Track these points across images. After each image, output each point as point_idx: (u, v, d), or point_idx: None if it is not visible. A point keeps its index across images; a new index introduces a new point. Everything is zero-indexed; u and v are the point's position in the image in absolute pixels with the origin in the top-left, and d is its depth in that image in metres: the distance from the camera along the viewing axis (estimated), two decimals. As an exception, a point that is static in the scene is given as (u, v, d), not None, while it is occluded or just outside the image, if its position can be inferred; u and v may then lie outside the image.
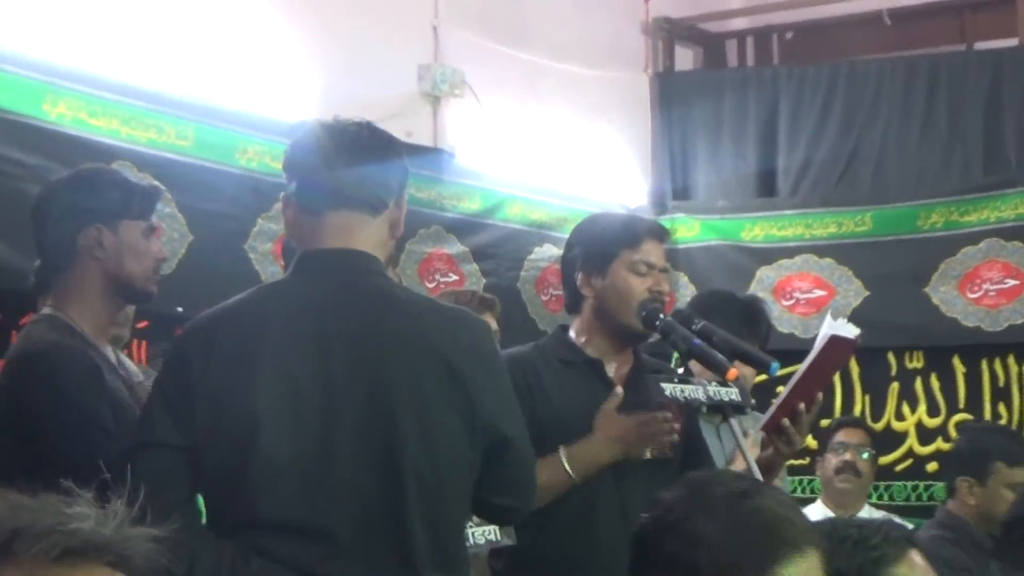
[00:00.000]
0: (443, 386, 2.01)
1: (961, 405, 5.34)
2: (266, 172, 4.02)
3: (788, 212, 5.67)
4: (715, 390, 2.49)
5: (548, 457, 2.44)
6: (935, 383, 5.39)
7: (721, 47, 6.56)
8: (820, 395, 2.56)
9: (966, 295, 5.31)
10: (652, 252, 2.64)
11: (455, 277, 4.88)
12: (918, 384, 5.42)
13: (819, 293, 5.53)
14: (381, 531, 1.96)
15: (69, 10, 3.73)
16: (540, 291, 5.29)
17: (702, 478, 1.43)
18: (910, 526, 2.12)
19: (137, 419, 2.10)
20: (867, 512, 4.47)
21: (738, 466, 2.63)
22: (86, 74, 3.68)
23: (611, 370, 2.67)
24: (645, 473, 2.57)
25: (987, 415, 5.26)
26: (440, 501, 2.00)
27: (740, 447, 2.46)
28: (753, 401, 3.17)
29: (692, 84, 6.24)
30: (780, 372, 2.65)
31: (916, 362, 5.43)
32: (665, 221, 5.49)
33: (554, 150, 5.52)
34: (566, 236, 2.83)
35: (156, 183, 2.48)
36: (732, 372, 2.46)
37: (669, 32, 6.24)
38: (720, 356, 2.49)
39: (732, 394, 2.51)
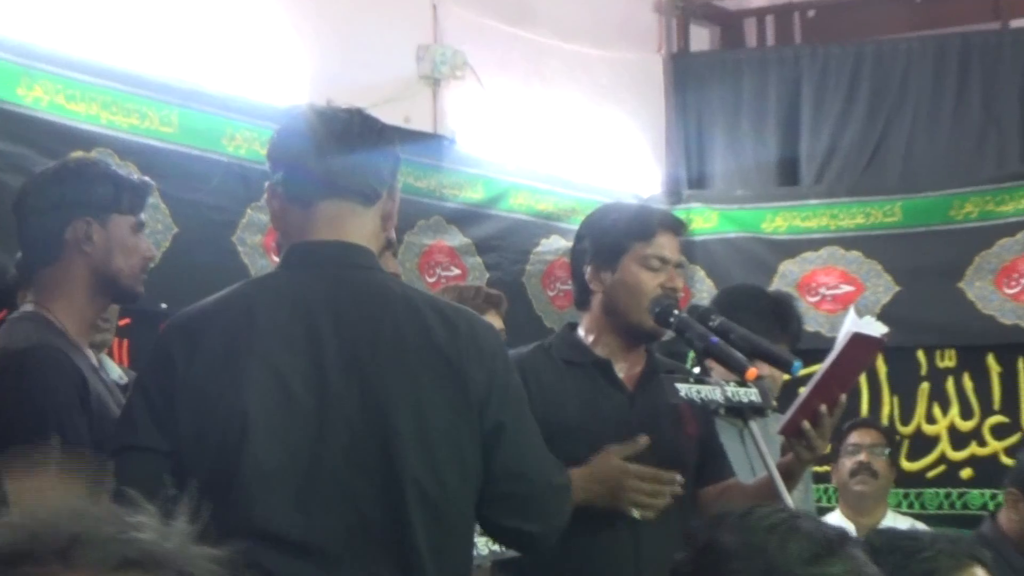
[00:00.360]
0: (443, 387, 2.00)
1: (996, 407, 5.33)
2: (255, 160, 4.01)
3: (812, 202, 5.66)
4: (733, 391, 2.49)
5: None
6: (968, 384, 5.38)
7: (739, 26, 6.55)
8: (843, 397, 2.56)
9: (1003, 290, 5.30)
10: (666, 245, 2.64)
11: (457, 271, 4.88)
12: (950, 385, 5.41)
13: (846, 288, 5.53)
14: (379, 544, 1.95)
15: (45, -12, 3.73)
16: (547, 286, 5.29)
17: (762, 528, 1.24)
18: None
19: (116, 422, 2.10)
20: (891, 519, 4.47)
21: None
22: (63, 56, 3.68)
23: (621, 371, 2.66)
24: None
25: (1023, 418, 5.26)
26: (443, 510, 2.00)
27: (760, 452, 2.46)
28: (775, 403, 3.17)
29: (708, 65, 6.24)
30: (804, 372, 2.65)
31: (948, 361, 5.42)
32: (680, 211, 5.50)
33: (561, 136, 5.52)
34: (574, 227, 2.83)
35: (147, 178, 2.49)
36: (751, 371, 2.46)
37: (684, 10, 6.23)
38: (739, 354, 2.48)
39: (752, 395, 2.51)
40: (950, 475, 5.37)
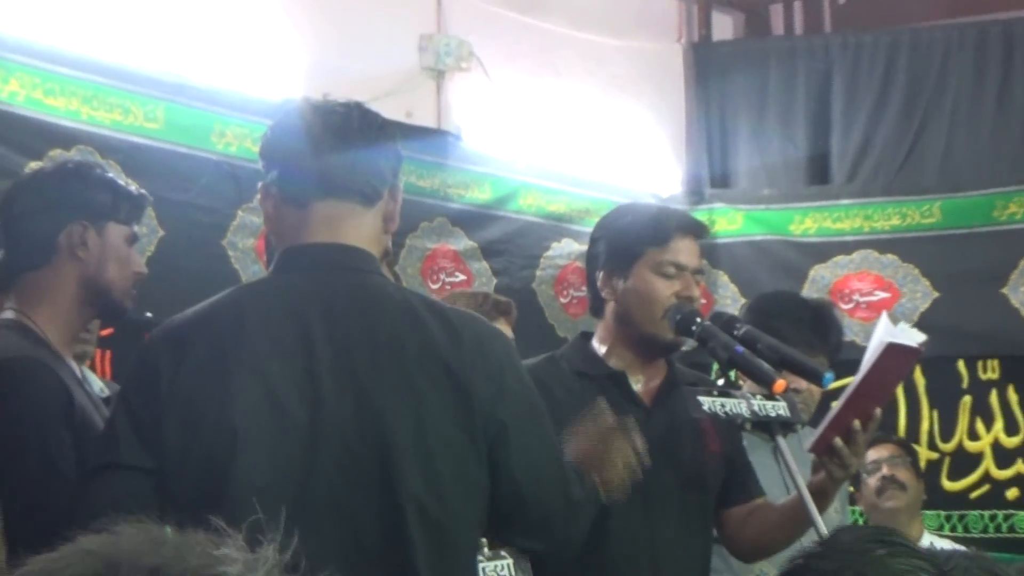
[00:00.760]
0: (445, 399, 2.00)
1: (1044, 422, 5.34)
2: (247, 158, 4.02)
3: (844, 202, 5.66)
4: (760, 404, 2.49)
5: None
6: (1013, 396, 5.38)
7: (765, 13, 6.56)
8: (878, 411, 2.55)
9: (1050, 297, 5.30)
10: (683, 251, 2.63)
11: (462, 277, 4.89)
12: (993, 398, 5.40)
13: (881, 295, 5.52)
14: (377, 567, 1.95)
15: (22, -25, 3.75)
16: (559, 292, 5.29)
17: None
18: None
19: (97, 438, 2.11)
20: (928, 541, 4.46)
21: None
22: (41, 47, 3.69)
23: (638, 384, 2.66)
24: (678, 503, 2.56)
25: (1073, 433, 5.25)
26: (445, 530, 1.99)
27: (789, 471, 2.45)
28: (805, 418, 3.17)
29: (732, 55, 6.24)
30: (837, 385, 2.65)
31: (991, 373, 5.41)
32: (702, 212, 5.51)
33: (574, 132, 5.52)
34: (587, 230, 2.84)
35: (144, 191, 2.52)
36: (779, 383, 2.45)
37: (706, -4, 6.25)
38: (766, 366, 2.48)
39: (780, 409, 2.50)
40: (995, 496, 5.36)
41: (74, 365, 2.41)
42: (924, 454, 5.45)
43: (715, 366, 2.67)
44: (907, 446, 4.63)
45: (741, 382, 2.60)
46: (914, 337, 2.57)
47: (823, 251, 5.64)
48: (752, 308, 3.29)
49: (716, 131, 6.18)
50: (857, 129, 5.91)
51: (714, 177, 6.12)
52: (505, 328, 3.48)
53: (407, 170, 4.52)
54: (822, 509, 2.49)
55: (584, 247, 2.83)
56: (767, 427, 2.52)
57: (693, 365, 3.03)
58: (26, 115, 3.62)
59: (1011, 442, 5.37)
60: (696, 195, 5.91)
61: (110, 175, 2.50)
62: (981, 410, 5.41)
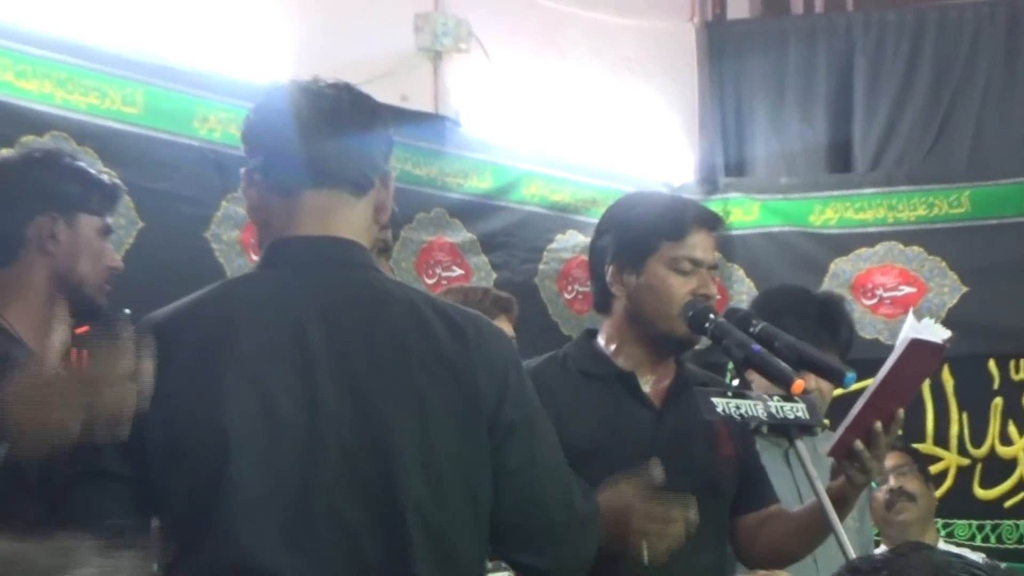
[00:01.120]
0: (450, 402, 2.01)
1: (1081, 424, 5.35)
2: (231, 145, 4.02)
3: (867, 191, 5.67)
4: (777, 406, 2.50)
5: None
6: (1049, 398, 5.39)
7: (784, -10, 6.57)
8: (901, 412, 2.56)
9: (1088, 292, 5.31)
10: (699, 245, 2.64)
11: (460, 271, 4.89)
12: (1027, 399, 5.41)
13: (907, 290, 5.53)
14: (378, 578, 1.97)
15: (-9, -50, 3.75)
16: (563, 288, 5.30)
17: None
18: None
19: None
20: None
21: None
22: (12, 27, 3.69)
23: (647, 384, 2.67)
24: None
25: (1111, 436, 5.26)
26: (449, 542, 2.00)
27: (808, 476, 2.46)
28: (827, 421, 3.17)
29: (748, 35, 6.24)
30: (858, 386, 2.65)
31: (1024, 373, 5.43)
32: (716, 203, 5.52)
33: (580, 117, 5.53)
34: (594, 221, 2.84)
35: (118, 180, 2.52)
36: (798, 384, 2.46)
37: (720, -28, 6.25)
38: (784, 365, 2.48)
39: (798, 411, 2.51)
40: (1029, 504, 5.37)
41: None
42: (954, 460, 5.46)
43: (730, 366, 2.68)
44: (914, 452, 4.64)
45: (751, 380, 2.61)
46: (938, 333, 2.58)
47: (844, 243, 5.64)
48: (756, 304, 3.30)
49: (731, 116, 6.19)
50: (881, 113, 5.92)
51: (729, 165, 6.13)
52: (506, 326, 3.50)
53: (402, 158, 4.54)
54: (841, 517, 2.50)
55: (589, 239, 2.83)
56: (784, 430, 2.52)
57: (707, 365, 3.04)
58: (-4, 99, 3.63)
59: (1047, 447, 5.39)
60: (710, 184, 5.91)
61: (80, 163, 2.50)
62: (1014, 413, 5.41)
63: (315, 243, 2.07)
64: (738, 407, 2.45)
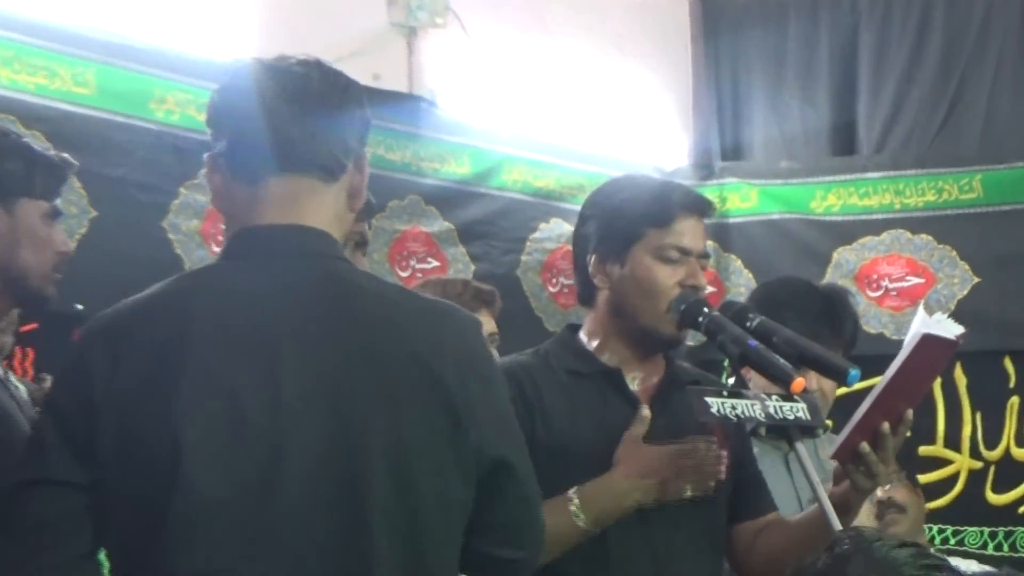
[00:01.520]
0: (424, 402, 2.01)
1: (1101, 425, 5.37)
2: (191, 128, 4.03)
3: (872, 175, 5.69)
4: (776, 406, 2.50)
5: (553, 500, 2.44)
6: (1066, 396, 5.42)
7: (783, -40, 6.57)
8: (910, 412, 2.57)
9: (1108, 283, 5.34)
10: (687, 233, 2.63)
11: (436, 263, 4.89)
12: (1045, 398, 5.44)
13: (915, 281, 5.55)
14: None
15: (-69, -82, 3.74)
16: (547, 280, 5.31)
17: None
18: None
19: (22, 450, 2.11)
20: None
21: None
22: (-46, 1, 3.69)
23: (635, 382, 2.67)
24: (680, 515, 2.58)
25: None
26: (419, 555, 2.00)
27: (810, 480, 2.47)
28: (830, 423, 3.18)
29: (746, 9, 6.25)
30: (863, 385, 2.66)
31: (1041, 370, 5.45)
32: (712, 188, 5.54)
33: (566, 97, 5.53)
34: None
35: (67, 156, 2.50)
36: (798, 382, 2.46)
37: (715, -59, 6.26)
38: (783, 362, 2.49)
39: (799, 411, 2.51)
40: (1048, 509, 5.40)
41: (-5, 364, 2.41)
42: (966, 463, 5.48)
43: (726, 363, 2.68)
44: (899, 461, 4.65)
45: (748, 378, 2.61)
46: (951, 329, 2.58)
47: (848, 231, 5.66)
48: (754, 298, 3.30)
49: (727, 95, 6.20)
50: (887, 93, 5.94)
51: (725, 148, 6.14)
52: (488, 320, 3.50)
53: (374, 141, 4.53)
54: (846, 524, 2.51)
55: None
56: (784, 432, 2.52)
57: (701, 363, 3.04)
58: (-63, 80, 3.62)
59: (1064, 449, 5.41)
60: (705, 169, 5.92)
61: (23, 141, 2.47)
62: (1030, 412, 5.45)
63: (280, 232, 2.07)
64: (734, 407, 2.45)
